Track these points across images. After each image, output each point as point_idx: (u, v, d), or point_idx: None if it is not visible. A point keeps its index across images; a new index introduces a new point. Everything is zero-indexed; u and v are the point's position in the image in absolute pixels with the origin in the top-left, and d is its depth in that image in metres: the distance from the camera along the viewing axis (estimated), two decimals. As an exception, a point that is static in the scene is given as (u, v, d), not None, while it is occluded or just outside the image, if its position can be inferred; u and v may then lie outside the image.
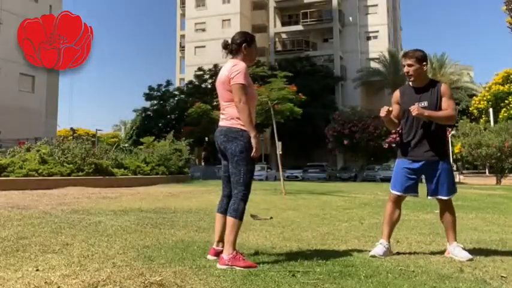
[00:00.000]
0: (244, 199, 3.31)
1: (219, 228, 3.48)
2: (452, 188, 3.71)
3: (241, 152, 3.30)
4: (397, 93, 3.86)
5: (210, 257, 3.39)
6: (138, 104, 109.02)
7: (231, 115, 3.38)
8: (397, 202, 3.81)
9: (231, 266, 3.08)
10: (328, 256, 3.51)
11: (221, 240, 3.41)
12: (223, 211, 3.46)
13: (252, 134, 3.29)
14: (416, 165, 3.71)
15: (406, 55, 3.74)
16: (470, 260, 3.46)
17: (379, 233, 4.75)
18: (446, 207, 3.73)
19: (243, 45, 3.42)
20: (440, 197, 3.69)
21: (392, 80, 40.22)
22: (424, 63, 3.68)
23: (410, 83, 3.77)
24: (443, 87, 3.69)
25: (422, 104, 3.61)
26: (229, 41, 3.49)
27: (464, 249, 3.62)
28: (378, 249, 3.63)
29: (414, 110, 3.53)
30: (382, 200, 9.27)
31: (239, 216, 3.26)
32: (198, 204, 8.15)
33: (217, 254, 3.36)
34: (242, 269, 3.03)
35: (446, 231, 3.77)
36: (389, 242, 3.74)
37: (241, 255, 3.17)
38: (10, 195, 9.27)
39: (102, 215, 6.17)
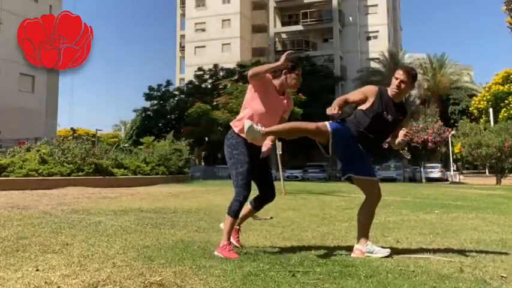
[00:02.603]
0: (239, 199, 3.54)
1: (241, 216, 3.85)
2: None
3: (229, 158, 3.64)
4: (375, 91, 3.72)
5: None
6: (138, 104, 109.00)
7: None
8: (320, 134, 3.62)
9: (219, 253, 3.43)
10: (328, 256, 3.51)
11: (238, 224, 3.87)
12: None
13: (276, 64, 3.59)
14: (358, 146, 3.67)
15: (405, 71, 3.72)
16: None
17: (379, 234, 4.76)
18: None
19: (284, 70, 3.69)
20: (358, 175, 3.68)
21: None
22: (414, 84, 3.80)
23: (390, 93, 3.72)
24: (407, 117, 3.89)
25: (389, 118, 3.67)
26: None
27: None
28: None
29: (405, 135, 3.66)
30: (381, 200, 9.27)
31: (231, 213, 3.56)
32: (198, 204, 8.15)
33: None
34: (222, 256, 3.37)
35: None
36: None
37: (230, 247, 3.49)
38: (10, 195, 9.27)
39: (102, 215, 6.17)
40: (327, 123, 3.65)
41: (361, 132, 3.66)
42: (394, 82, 3.70)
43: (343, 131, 3.64)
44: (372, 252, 3.59)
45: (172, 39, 76.64)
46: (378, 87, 3.81)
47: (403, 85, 3.67)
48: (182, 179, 19.11)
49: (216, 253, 3.46)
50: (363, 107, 3.70)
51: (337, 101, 3.58)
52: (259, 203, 3.86)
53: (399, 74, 3.70)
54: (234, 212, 3.56)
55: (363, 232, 3.70)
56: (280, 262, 3.25)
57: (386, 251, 3.61)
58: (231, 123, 3.72)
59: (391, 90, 3.73)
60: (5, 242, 3.91)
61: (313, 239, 4.45)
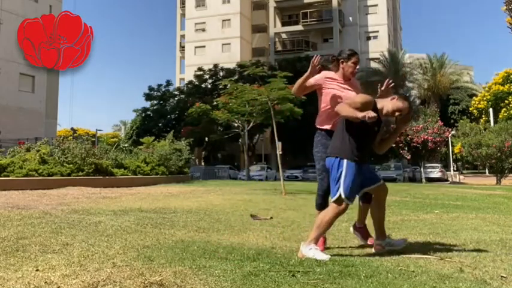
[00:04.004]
0: (319, 193, 3.94)
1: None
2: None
3: (313, 155, 4.01)
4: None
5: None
6: (138, 104, 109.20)
7: None
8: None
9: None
10: (328, 256, 3.50)
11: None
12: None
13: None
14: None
15: (407, 116, 3.81)
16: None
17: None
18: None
19: (340, 60, 4.03)
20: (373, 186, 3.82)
21: (392, 80, 40.23)
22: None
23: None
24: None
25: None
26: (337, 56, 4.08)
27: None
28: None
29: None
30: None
31: (316, 206, 3.97)
32: (198, 204, 8.15)
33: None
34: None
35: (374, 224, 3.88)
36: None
37: (322, 240, 3.74)
38: (10, 195, 9.26)
39: (102, 215, 6.17)
40: (349, 201, 3.55)
41: (358, 125, 3.65)
42: (395, 108, 3.70)
43: (358, 177, 3.59)
44: (392, 246, 3.73)
45: (172, 39, 76.65)
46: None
47: (398, 113, 3.70)
48: (182, 179, 19.10)
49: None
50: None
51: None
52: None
53: (405, 107, 3.72)
54: (317, 205, 3.94)
55: (379, 227, 3.83)
56: (280, 262, 3.25)
57: (404, 241, 3.81)
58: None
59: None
60: (5, 242, 3.91)
61: (313, 239, 4.44)
